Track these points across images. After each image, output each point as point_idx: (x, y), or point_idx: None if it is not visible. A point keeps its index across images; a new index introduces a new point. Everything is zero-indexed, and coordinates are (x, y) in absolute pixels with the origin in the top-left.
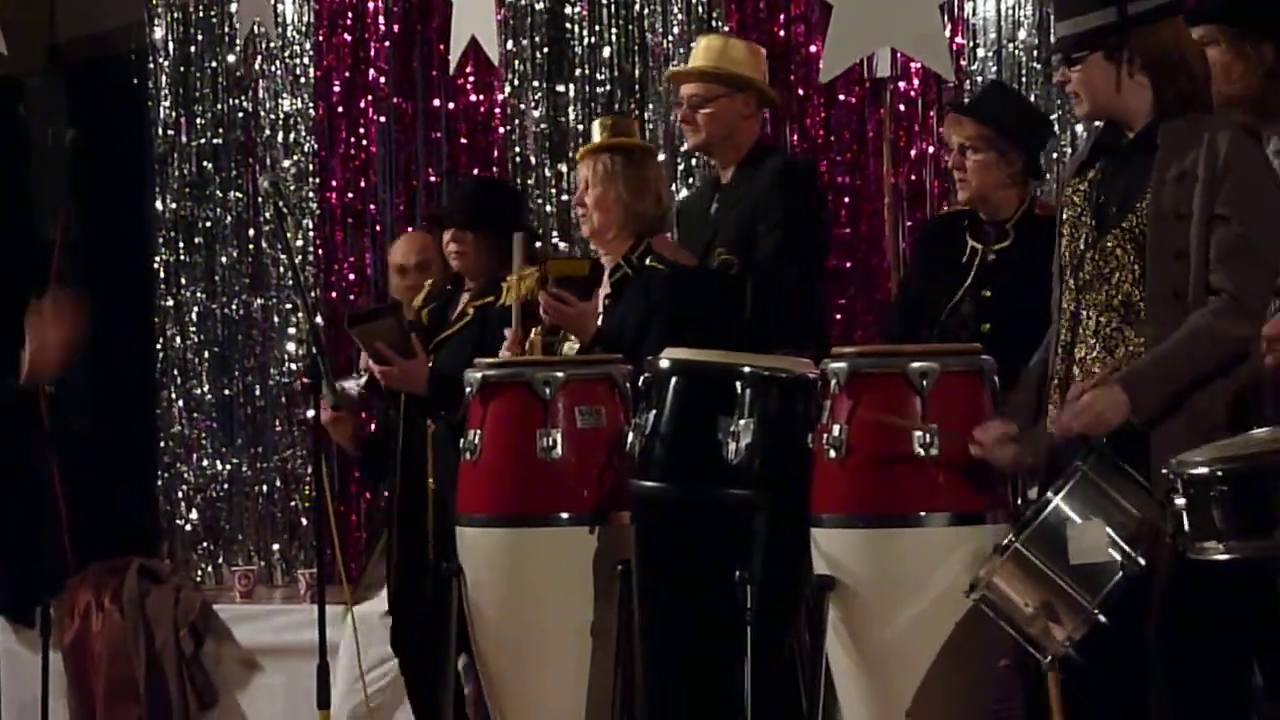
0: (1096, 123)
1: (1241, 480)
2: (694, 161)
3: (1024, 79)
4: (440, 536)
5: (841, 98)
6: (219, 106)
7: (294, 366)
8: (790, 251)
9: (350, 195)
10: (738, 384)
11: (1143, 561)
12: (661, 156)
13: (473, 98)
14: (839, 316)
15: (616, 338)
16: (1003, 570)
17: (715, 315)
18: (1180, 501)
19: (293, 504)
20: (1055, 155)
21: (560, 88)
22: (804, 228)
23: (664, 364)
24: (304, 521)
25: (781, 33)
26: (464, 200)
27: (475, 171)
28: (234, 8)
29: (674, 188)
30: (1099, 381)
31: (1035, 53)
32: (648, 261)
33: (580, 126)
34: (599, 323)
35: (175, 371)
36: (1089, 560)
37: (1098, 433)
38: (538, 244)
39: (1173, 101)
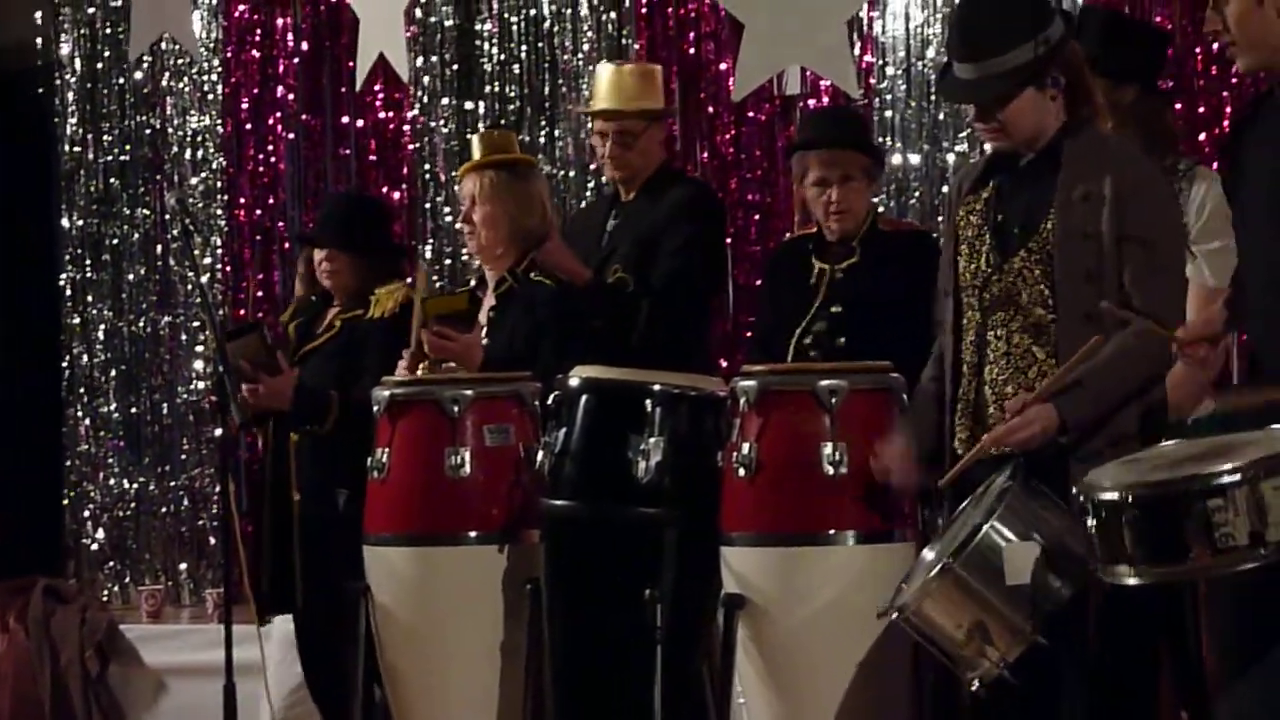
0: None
1: (1153, 506)
2: (604, 178)
3: (932, 97)
4: (306, 550)
5: (751, 115)
6: (126, 123)
7: (201, 385)
8: (690, 276)
9: (259, 212)
10: (648, 402)
11: (1073, 586)
12: (572, 173)
13: (382, 114)
14: (748, 334)
15: (505, 354)
16: (935, 592)
17: (606, 331)
18: (1091, 523)
19: (200, 523)
20: None
21: (470, 104)
22: (706, 252)
23: (574, 382)
24: (211, 540)
25: (691, 50)
26: (332, 219)
27: (384, 189)
28: (141, 22)
29: (581, 204)
30: (1036, 398)
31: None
32: (533, 276)
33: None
34: (484, 339)
35: (82, 389)
36: (1024, 581)
37: (1030, 448)
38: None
39: (1080, 118)
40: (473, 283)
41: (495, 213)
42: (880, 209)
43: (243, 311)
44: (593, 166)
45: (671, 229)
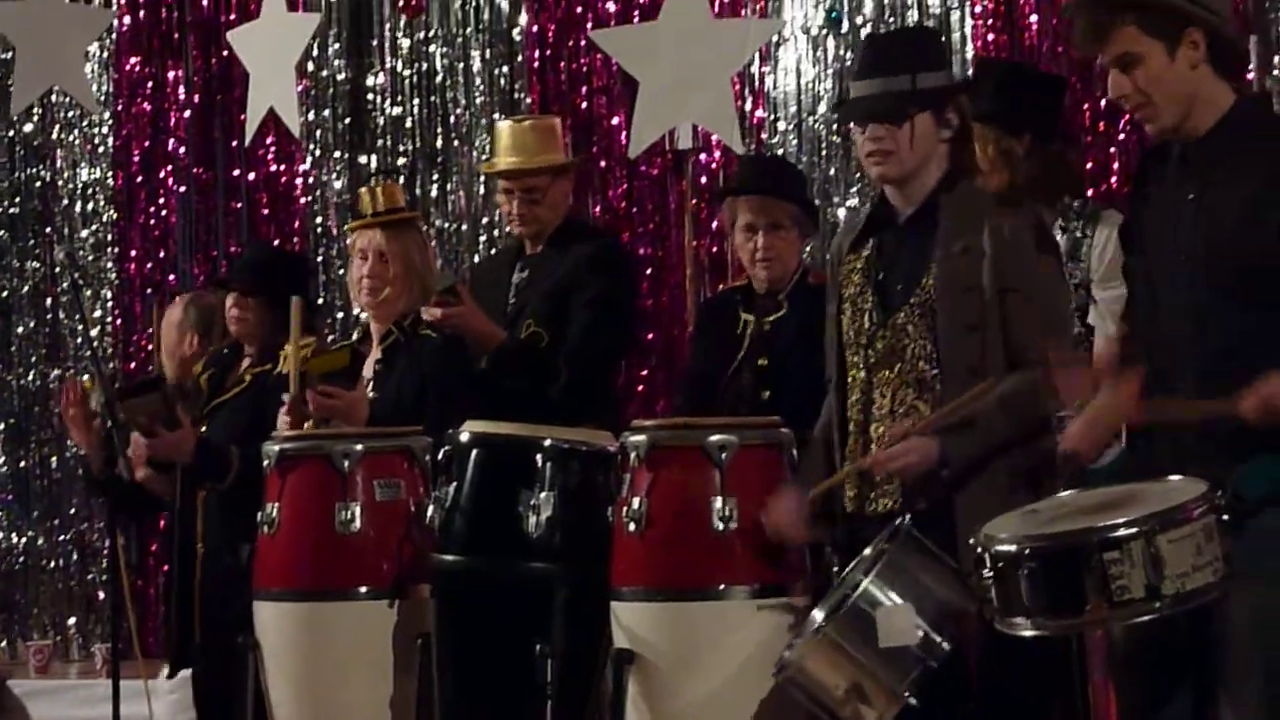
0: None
1: (1050, 558)
2: (496, 232)
3: (824, 152)
4: (207, 603)
5: (643, 169)
6: (16, 175)
7: None
8: (605, 327)
9: (150, 265)
10: (538, 457)
11: (948, 646)
12: (464, 227)
13: (274, 168)
14: (641, 388)
15: (392, 408)
16: (813, 653)
17: (520, 391)
18: (988, 575)
19: (89, 577)
20: None
21: (362, 158)
22: (619, 305)
23: (464, 437)
24: (101, 595)
25: (583, 105)
26: (247, 266)
27: (276, 242)
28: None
29: (474, 258)
30: (919, 429)
31: (834, 127)
32: (419, 329)
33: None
34: (370, 393)
35: None
36: (897, 643)
37: (905, 476)
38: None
39: (957, 172)
40: (354, 336)
41: (397, 266)
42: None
43: (133, 365)
44: (485, 220)
45: (582, 283)
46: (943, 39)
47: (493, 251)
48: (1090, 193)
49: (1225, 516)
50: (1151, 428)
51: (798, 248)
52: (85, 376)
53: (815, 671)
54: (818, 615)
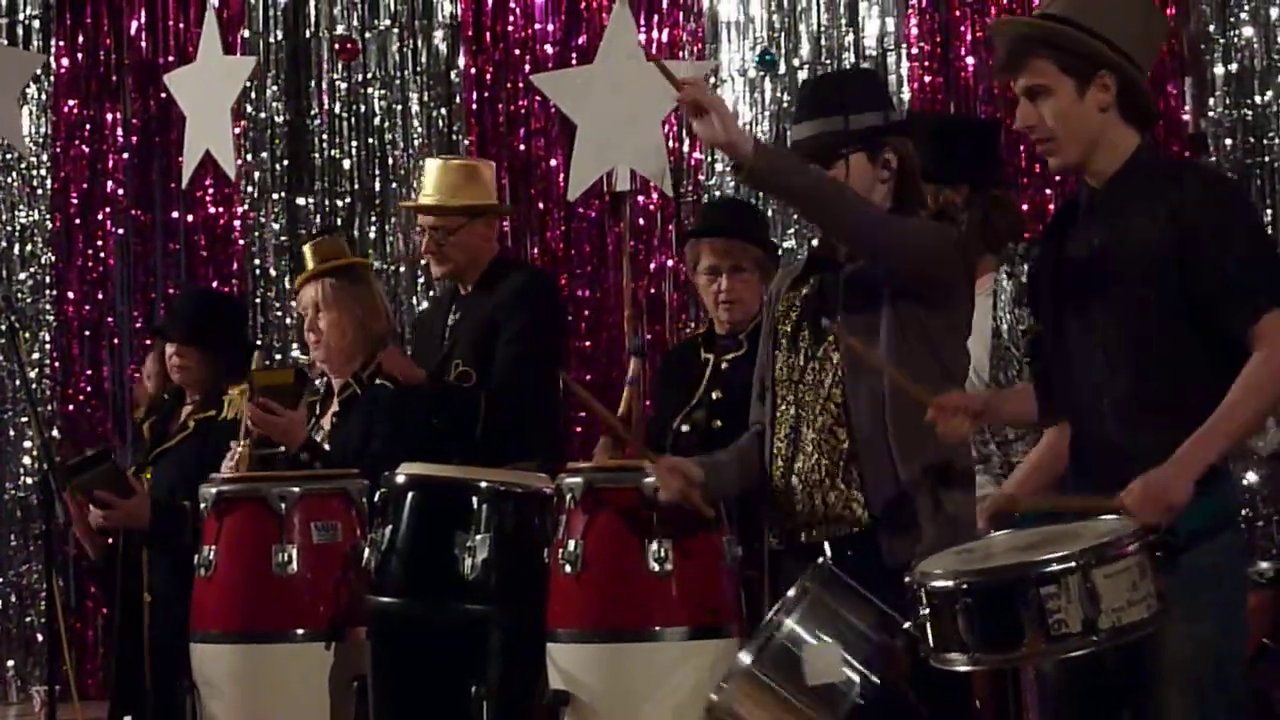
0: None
1: (986, 593)
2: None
3: (760, 193)
4: (157, 651)
5: (581, 211)
6: None
7: (29, 481)
8: (528, 363)
9: (88, 307)
10: (474, 499)
11: (877, 680)
12: (403, 269)
13: (211, 210)
14: (579, 429)
15: (340, 453)
16: (742, 694)
17: (444, 430)
18: (924, 611)
19: (28, 619)
20: None
21: (300, 200)
22: (543, 339)
23: (400, 479)
24: (39, 637)
25: (521, 146)
26: (185, 313)
27: (214, 284)
28: None
29: (414, 300)
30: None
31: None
32: (376, 380)
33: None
34: (325, 444)
35: None
36: (825, 681)
37: (701, 129)
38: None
39: (900, 211)
40: (302, 359)
41: (341, 319)
42: None
43: (71, 407)
44: (423, 262)
45: (506, 318)
46: (880, 80)
47: (431, 293)
48: (1026, 236)
49: (1159, 552)
50: (1080, 470)
51: (759, 290)
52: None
53: (745, 713)
54: (744, 657)
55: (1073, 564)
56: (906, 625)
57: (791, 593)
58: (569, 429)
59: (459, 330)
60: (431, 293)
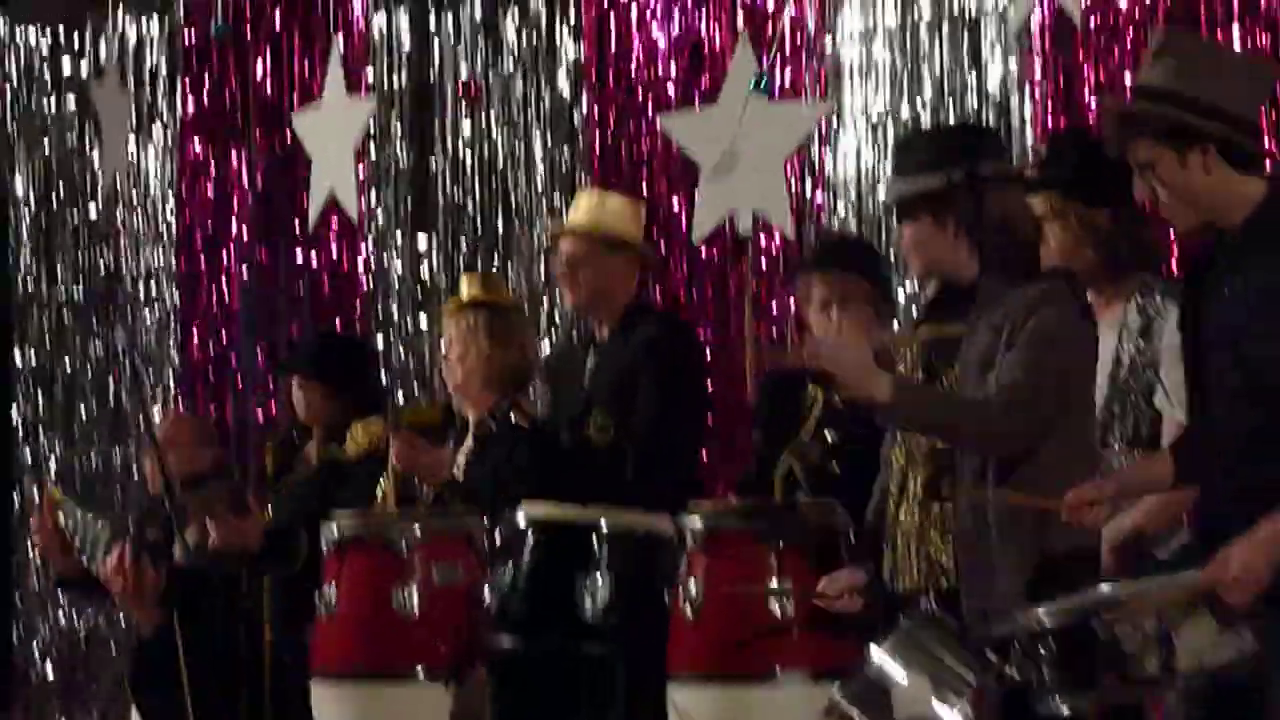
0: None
1: (1060, 633)
2: (558, 316)
3: (884, 235)
4: (277, 687)
5: (703, 253)
6: (81, 258)
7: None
8: (668, 417)
9: (212, 348)
10: (594, 540)
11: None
12: (525, 310)
13: (335, 252)
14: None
15: (476, 493)
16: None
17: (587, 483)
18: (1020, 659)
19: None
20: None
21: (423, 243)
22: (681, 392)
23: (521, 519)
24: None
25: (644, 188)
26: (308, 350)
27: (338, 325)
28: (95, 157)
29: (540, 341)
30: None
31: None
32: (512, 418)
33: (443, 280)
34: (460, 475)
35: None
36: (911, 715)
37: (834, 381)
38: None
39: (994, 261)
40: (453, 402)
41: (471, 351)
42: None
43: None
44: (549, 304)
45: (645, 370)
46: (966, 133)
47: (555, 333)
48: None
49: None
50: (1217, 514)
51: (872, 325)
52: (53, 486)
53: None
54: (836, 693)
55: (1143, 602)
56: (1005, 669)
57: (890, 631)
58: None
59: (596, 379)
60: (555, 333)
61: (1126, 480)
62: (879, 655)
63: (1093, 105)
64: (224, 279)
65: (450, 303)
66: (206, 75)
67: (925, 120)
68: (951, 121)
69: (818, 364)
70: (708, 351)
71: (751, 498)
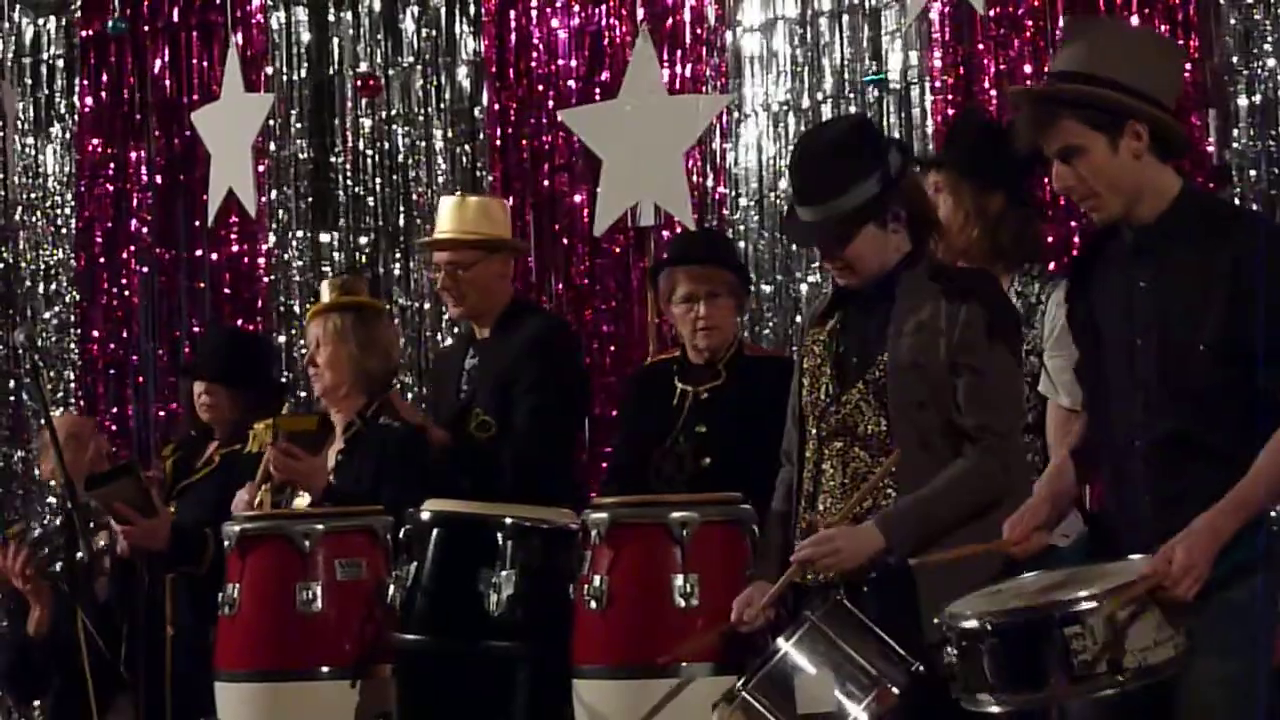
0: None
1: (1011, 634)
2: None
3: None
4: (179, 687)
5: (606, 246)
6: None
7: (54, 521)
8: (546, 416)
9: (112, 345)
10: (499, 535)
11: (865, 718)
12: (427, 306)
13: (235, 247)
14: (604, 465)
15: (350, 494)
16: (734, 717)
17: (469, 490)
18: (953, 653)
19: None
20: None
21: (324, 237)
22: (561, 392)
23: (425, 515)
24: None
25: (545, 183)
26: (214, 352)
27: (239, 321)
28: None
29: (438, 337)
30: (836, 520)
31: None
32: (381, 419)
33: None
34: (332, 479)
35: None
36: (815, 710)
37: (843, 568)
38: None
39: (918, 251)
40: (327, 409)
41: (339, 354)
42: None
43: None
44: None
45: (525, 369)
46: (869, 130)
47: (456, 330)
48: (1051, 266)
49: None
50: (1115, 510)
51: (734, 316)
52: (7, 528)
53: None
54: (739, 682)
55: (1097, 604)
56: (915, 666)
57: (795, 622)
58: (594, 466)
59: (477, 377)
60: (456, 329)
61: (1056, 499)
62: (785, 647)
63: (992, 96)
64: (124, 276)
65: (313, 308)
66: (104, 72)
67: (826, 111)
68: (851, 112)
69: (819, 569)
70: (612, 344)
71: (654, 493)
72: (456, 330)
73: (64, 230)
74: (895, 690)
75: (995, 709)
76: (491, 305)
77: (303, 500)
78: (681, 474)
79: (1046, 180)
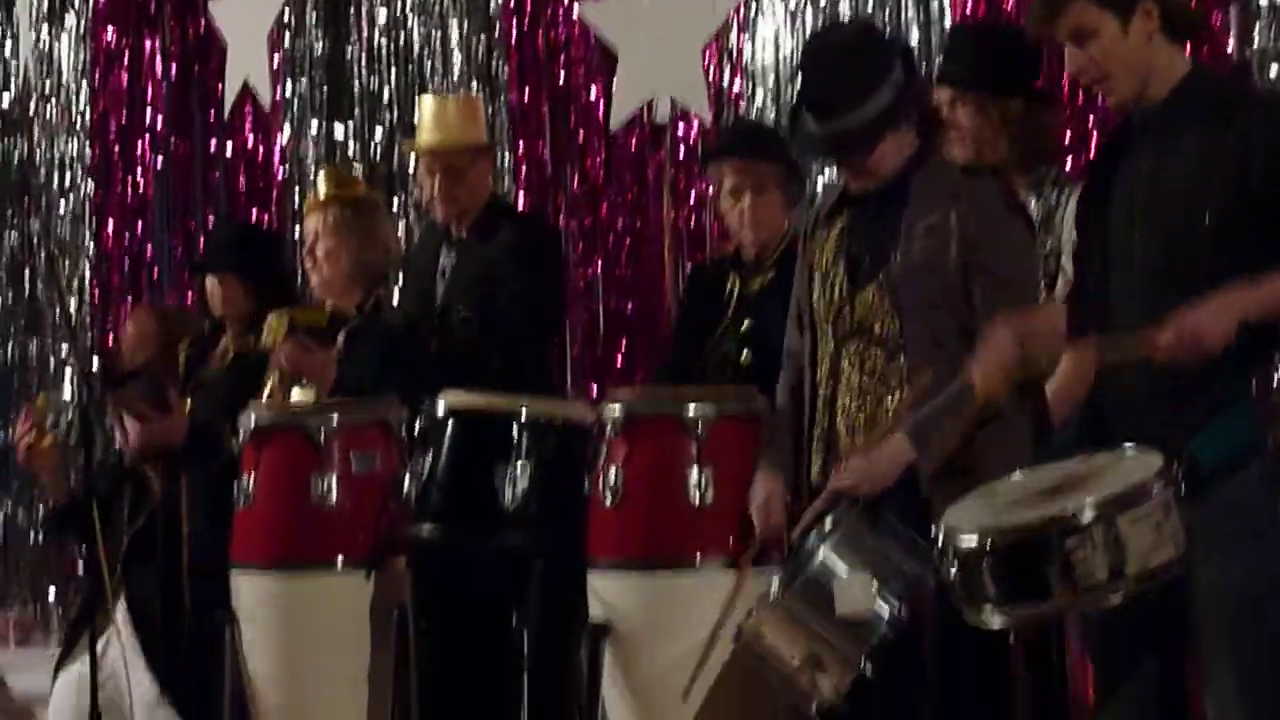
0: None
1: (1012, 552)
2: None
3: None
4: (196, 583)
5: (621, 140)
6: None
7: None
8: (532, 317)
9: (128, 237)
10: (515, 428)
11: (905, 616)
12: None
13: (250, 140)
14: (619, 358)
15: (354, 389)
16: (769, 623)
17: (446, 360)
18: (953, 567)
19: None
20: None
21: (339, 131)
22: (545, 295)
23: (440, 408)
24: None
25: (561, 75)
26: (224, 245)
27: (254, 213)
28: (7, 47)
29: None
30: (864, 447)
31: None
32: (380, 313)
33: (360, 169)
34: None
35: None
36: (854, 612)
37: (877, 490)
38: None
39: (927, 149)
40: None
41: (337, 248)
42: None
43: (111, 336)
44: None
45: (509, 271)
46: (876, 35)
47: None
48: (1069, 165)
49: (1184, 486)
50: (1101, 395)
51: (784, 211)
52: (39, 396)
53: (772, 641)
54: (774, 585)
55: (1095, 514)
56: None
57: (828, 524)
58: (609, 361)
59: (456, 276)
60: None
61: (1030, 329)
62: (822, 550)
63: None
64: (139, 169)
65: (309, 201)
66: None
67: (844, 8)
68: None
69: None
70: (627, 239)
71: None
72: (423, 222)
73: (78, 122)
74: (930, 592)
75: (998, 623)
76: (475, 205)
77: (307, 393)
78: (727, 369)
79: (1064, 77)
